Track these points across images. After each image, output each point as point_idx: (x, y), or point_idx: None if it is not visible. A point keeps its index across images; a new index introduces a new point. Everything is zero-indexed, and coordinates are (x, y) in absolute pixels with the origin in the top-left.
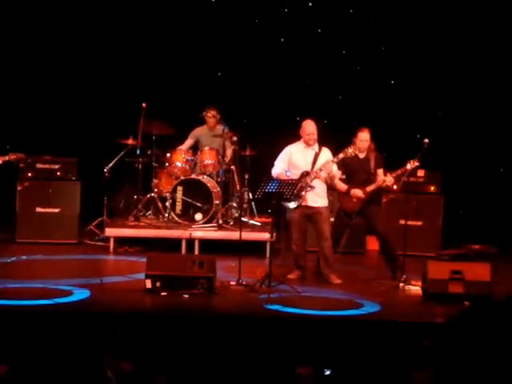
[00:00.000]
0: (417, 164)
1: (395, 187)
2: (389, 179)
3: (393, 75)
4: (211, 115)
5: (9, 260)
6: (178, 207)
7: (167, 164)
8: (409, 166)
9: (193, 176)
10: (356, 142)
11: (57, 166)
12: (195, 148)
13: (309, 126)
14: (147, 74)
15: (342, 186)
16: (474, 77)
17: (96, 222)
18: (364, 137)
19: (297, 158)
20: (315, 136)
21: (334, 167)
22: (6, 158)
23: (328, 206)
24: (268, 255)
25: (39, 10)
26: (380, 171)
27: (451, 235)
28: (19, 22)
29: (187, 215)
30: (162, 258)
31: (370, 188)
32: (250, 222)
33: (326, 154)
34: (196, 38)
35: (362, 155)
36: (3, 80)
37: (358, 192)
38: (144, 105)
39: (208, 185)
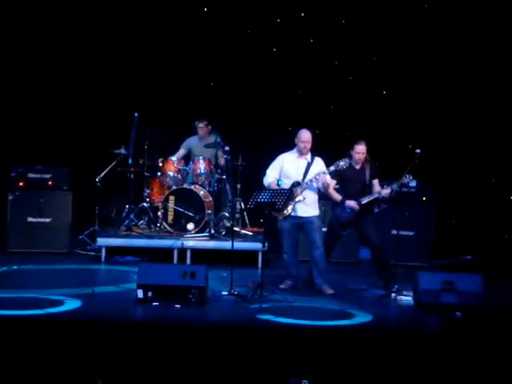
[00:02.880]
0: (412, 179)
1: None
2: (385, 192)
3: (385, 86)
4: (202, 126)
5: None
6: (170, 217)
7: (159, 174)
8: (405, 180)
9: (185, 186)
10: (352, 154)
11: (48, 176)
12: (187, 158)
13: (304, 134)
14: (139, 83)
15: (337, 196)
16: (465, 88)
17: (88, 232)
18: (360, 149)
19: (288, 168)
20: (310, 145)
21: (328, 177)
22: None
23: (319, 215)
24: (260, 265)
25: (34, 21)
26: (375, 181)
27: (443, 246)
28: (13, 33)
29: (179, 225)
30: (154, 267)
31: (364, 200)
32: (242, 231)
33: (318, 164)
34: (188, 48)
35: (357, 166)
36: None
37: (352, 204)
38: (136, 114)
39: (200, 194)
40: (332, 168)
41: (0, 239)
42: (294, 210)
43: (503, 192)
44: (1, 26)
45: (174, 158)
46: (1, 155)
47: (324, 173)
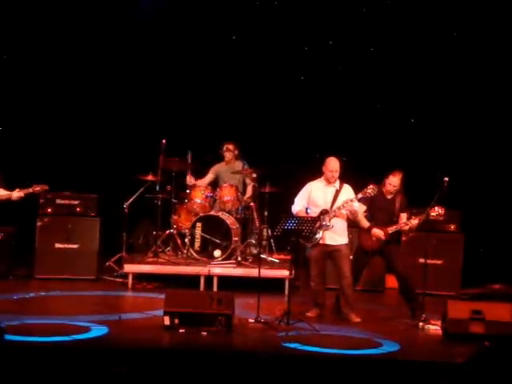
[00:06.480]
0: (441, 212)
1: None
2: (412, 223)
3: (413, 113)
4: (228, 149)
5: (27, 296)
6: (197, 244)
7: (186, 200)
8: (434, 214)
9: (212, 212)
10: (386, 183)
11: (76, 202)
12: (215, 184)
13: (332, 163)
14: (167, 110)
15: (365, 223)
16: (495, 114)
17: (115, 258)
18: (394, 182)
19: (316, 196)
20: (338, 174)
21: (356, 204)
22: (30, 190)
23: (348, 243)
24: (287, 292)
25: (65, 49)
26: (404, 215)
27: (471, 274)
28: (39, 64)
29: (206, 252)
30: (181, 294)
31: (391, 229)
32: (269, 259)
33: (347, 191)
34: (216, 75)
35: (389, 196)
36: (25, 117)
37: (378, 232)
38: (164, 141)
39: (227, 221)
40: (359, 195)
41: (28, 265)
42: (322, 237)
43: None
44: (35, 54)
45: (201, 184)
46: (30, 181)
47: (352, 200)
